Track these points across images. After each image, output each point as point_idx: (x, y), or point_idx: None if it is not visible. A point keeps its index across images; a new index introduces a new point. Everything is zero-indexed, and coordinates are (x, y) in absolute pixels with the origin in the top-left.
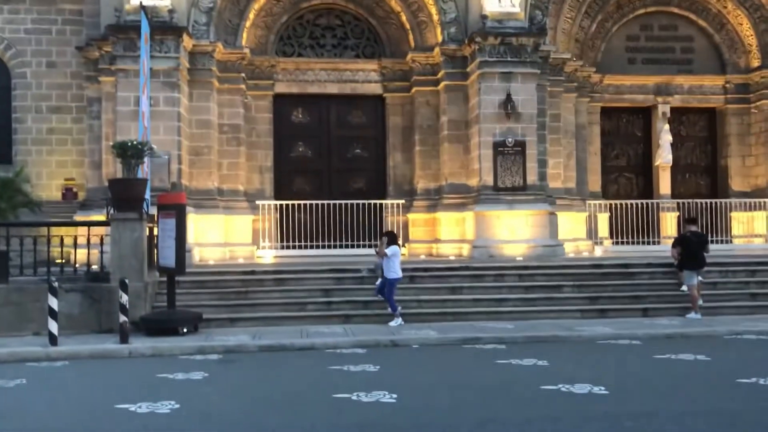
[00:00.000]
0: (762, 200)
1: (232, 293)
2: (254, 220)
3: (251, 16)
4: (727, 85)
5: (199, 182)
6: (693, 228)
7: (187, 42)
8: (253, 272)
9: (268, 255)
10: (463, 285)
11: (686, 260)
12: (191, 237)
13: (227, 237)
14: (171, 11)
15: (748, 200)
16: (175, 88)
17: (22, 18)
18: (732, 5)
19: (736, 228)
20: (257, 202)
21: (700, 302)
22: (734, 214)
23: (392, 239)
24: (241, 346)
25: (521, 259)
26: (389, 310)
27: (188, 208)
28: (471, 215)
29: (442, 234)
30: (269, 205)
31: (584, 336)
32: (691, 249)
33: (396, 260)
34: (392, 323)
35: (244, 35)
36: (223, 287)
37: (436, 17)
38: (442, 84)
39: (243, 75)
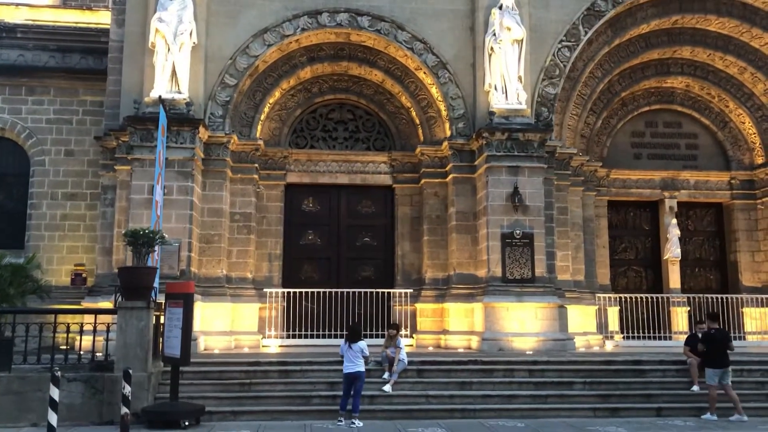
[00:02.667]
0: None
1: (236, 384)
2: (261, 308)
3: (266, 109)
4: (733, 181)
5: (208, 270)
6: (716, 325)
7: (203, 133)
8: (257, 363)
9: (273, 344)
10: (472, 380)
11: (713, 358)
12: (197, 325)
13: (233, 325)
14: (188, 104)
15: (760, 296)
16: (189, 177)
17: (45, 108)
18: (733, 104)
19: (749, 324)
20: (265, 289)
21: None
22: (746, 310)
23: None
24: None
25: (531, 353)
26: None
27: (196, 296)
28: (480, 306)
29: (450, 325)
30: (277, 292)
31: None
32: (716, 346)
33: (348, 356)
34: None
35: (259, 127)
36: (227, 378)
37: (444, 113)
38: (451, 176)
39: (256, 165)
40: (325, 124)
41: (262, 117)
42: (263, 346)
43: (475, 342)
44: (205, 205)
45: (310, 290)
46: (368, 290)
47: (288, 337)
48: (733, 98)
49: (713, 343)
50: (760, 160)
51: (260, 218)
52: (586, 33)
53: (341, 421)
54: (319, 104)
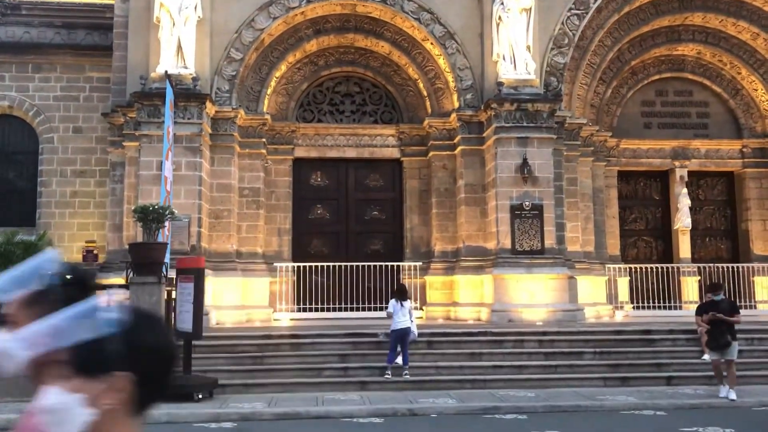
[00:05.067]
0: None
1: (248, 358)
2: (272, 283)
3: (272, 83)
4: (745, 150)
5: (219, 245)
6: (721, 295)
7: (210, 108)
8: (269, 336)
9: (284, 318)
10: (482, 351)
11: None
12: (209, 300)
13: (245, 300)
14: (195, 79)
15: None
16: (197, 152)
17: (51, 86)
18: (746, 71)
19: (760, 293)
20: (275, 264)
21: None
22: (757, 279)
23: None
24: (256, 414)
25: (541, 324)
26: (405, 375)
27: (206, 271)
28: (489, 278)
29: (459, 297)
30: (287, 267)
31: (607, 406)
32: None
33: (399, 314)
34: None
35: (266, 102)
36: (239, 352)
37: (452, 84)
38: (459, 148)
39: (264, 140)
40: (331, 97)
41: (269, 91)
42: (274, 320)
43: (484, 314)
44: (214, 180)
45: (319, 264)
46: (377, 263)
47: (298, 310)
48: (745, 65)
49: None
50: None
51: (269, 193)
52: (595, 0)
53: (389, 374)
54: (325, 77)
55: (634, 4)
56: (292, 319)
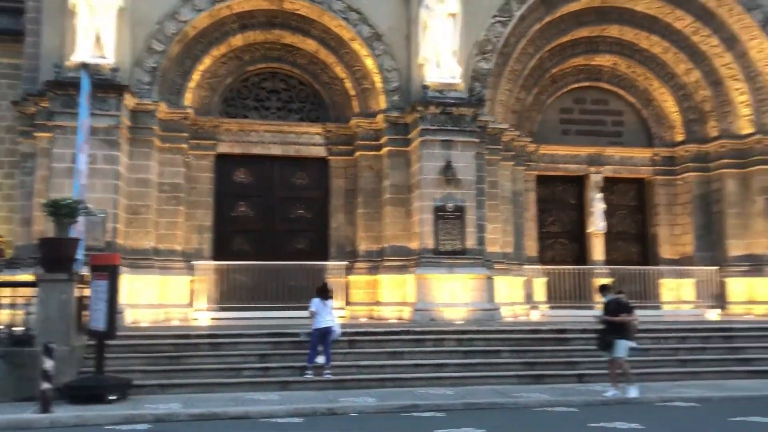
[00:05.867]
0: (689, 268)
1: (165, 358)
2: (191, 281)
3: (196, 77)
4: (655, 158)
5: (136, 241)
6: (622, 295)
7: (129, 100)
8: (187, 335)
9: (204, 317)
10: (403, 350)
11: (626, 329)
12: (124, 298)
13: (162, 298)
14: (114, 69)
15: (676, 267)
16: (114, 146)
17: None
18: (658, 83)
19: (666, 294)
20: (194, 262)
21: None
22: (663, 281)
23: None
24: (171, 415)
25: (461, 323)
26: (326, 374)
27: (122, 269)
28: (412, 278)
29: (383, 296)
30: (207, 265)
31: (521, 403)
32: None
33: (322, 313)
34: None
35: (188, 95)
36: (155, 351)
37: (379, 85)
38: (385, 149)
39: (186, 134)
40: (257, 93)
41: (192, 85)
42: (193, 319)
43: (407, 313)
44: (132, 174)
45: (241, 263)
46: (301, 263)
47: (219, 309)
48: (657, 77)
49: (629, 310)
50: (680, 138)
51: (190, 189)
52: (518, 9)
53: (309, 373)
54: (251, 73)
55: (556, 14)
56: (212, 319)
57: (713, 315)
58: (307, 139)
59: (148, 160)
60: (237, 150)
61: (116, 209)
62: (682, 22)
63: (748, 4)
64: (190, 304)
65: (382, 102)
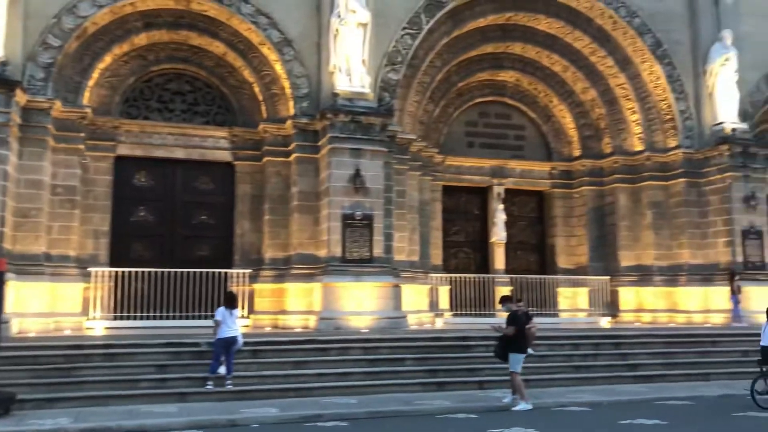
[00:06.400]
0: (584, 277)
1: (54, 370)
2: (85, 288)
3: (95, 75)
4: (553, 171)
5: (25, 246)
6: (521, 305)
7: (21, 97)
8: (79, 346)
9: (99, 326)
10: (308, 359)
11: (519, 341)
12: (10, 306)
13: (53, 306)
14: (4, 63)
15: (572, 277)
16: (3, 144)
17: None
18: (557, 100)
19: (562, 303)
20: (89, 268)
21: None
22: (560, 290)
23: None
24: (59, 430)
25: (367, 331)
26: (227, 385)
27: (9, 275)
28: (319, 286)
29: (289, 305)
30: (103, 272)
31: (424, 410)
32: (521, 329)
33: (227, 322)
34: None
35: (87, 94)
36: (43, 363)
37: (288, 91)
38: (294, 156)
39: (83, 135)
40: (161, 94)
41: (91, 83)
42: (87, 329)
43: (313, 321)
44: (23, 175)
45: (140, 270)
46: (204, 270)
47: (116, 318)
48: (556, 94)
49: (520, 325)
50: (577, 153)
51: (86, 192)
52: (427, 22)
53: (210, 384)
54: (155, 73)
55: (463, 29)
56: (107, 328)
57: (605, 323)
58: (213, 142)
59: (41, 161)
60: (138, 152)
61: (3, 212)
62: (581, 42)
63: (640, 28)
64: (84, 313)
65: (291, 108)
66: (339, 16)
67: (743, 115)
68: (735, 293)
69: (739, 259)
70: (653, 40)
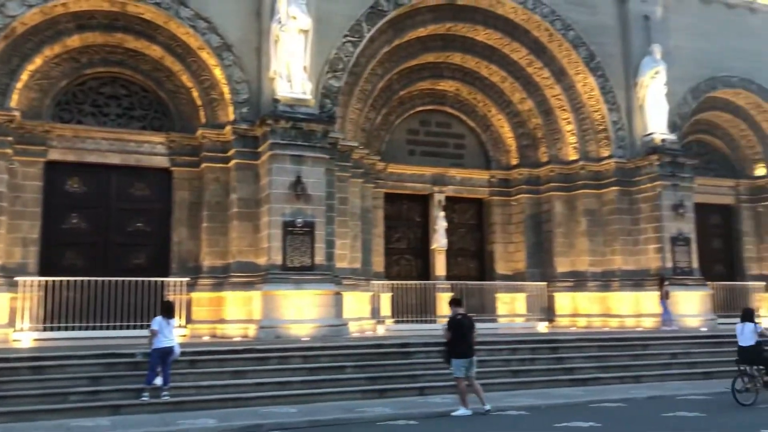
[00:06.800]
0: (522, 283)
1: None
2: (12, 298)
3: (24, 77)
4: (492, 179)
5: None
6: (461, 310)
7: None
8: (5, 359)
9: (27, 338)
10: (247, 368)
11: (459, 347)
12: None
13: None
14: None
15: (510, 283)
16: None
17: None
18: (495, 110)
19: (501, 308)
20: (17, 278)
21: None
22: (499, 296)
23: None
24: None
25: (307, 339)
26: (164, 396)
27: None
28: (258, 295)
29: (228, 314)
30: (32, 281)
31: (365, 418)
32: (463, 334)
33: (165, 332)
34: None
35: (15, 97)
36: None
37: (228, 96)
38: (233, 162)
39: (10, 138)
40: (95, 98)
41: (20, 86)
42: (14, 340)
43: (252, 330)
44: None
45: (72, 278)
46: (139, 279)
47: (45, 329)
48: (495, 104)
49: (460, 330)
50: (514, 162)
51: (13, 198)
52: (369, 30)
53: (146, 396)
54: (89, 76)
55: (404, 38)
56: (36, 340)
57: (542, 327)
58: (149, 148)
59: None
60: (70, 157)
61: None
62: (518, 53)
63: (575, 41)
64: (11, 324)
65: (230, 113)
66: (280, 22)
67: (672, 127)
68: (664, 298)
69: (669, 264)
70: (587, 53)
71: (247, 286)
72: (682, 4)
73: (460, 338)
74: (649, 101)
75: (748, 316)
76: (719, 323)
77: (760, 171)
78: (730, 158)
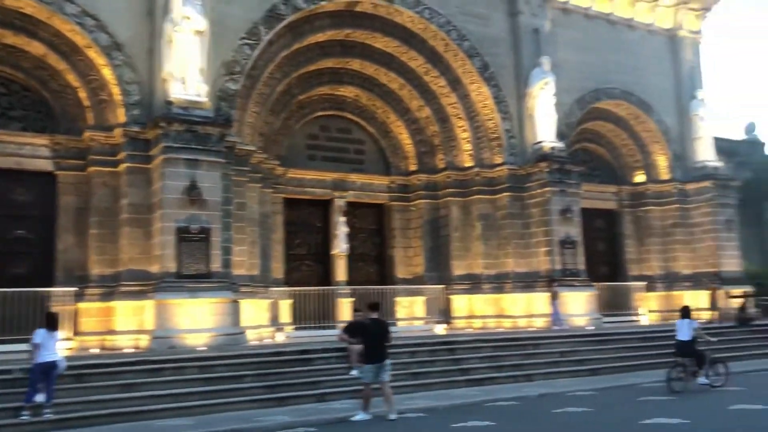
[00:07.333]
0: (420, 287)
1: None
2: None
3: None
4: (392, 185)
5: None
6: (375, 315)
7: None
8: None
9: None
10: (138, 381)
11: (368, 352)
12: None
13: None
14: None
15: (409, 287)
16: None
17: None
18: (394, 117)
19: (400, 312)
20: None
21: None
22: (398, 299)
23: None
24: None
25: (204, 349)
26: (46, 414)
27: None
28: (151, 304)
29: (118, 324)
30: None
31: (263, 426)
32: (371, 339)
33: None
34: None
35: None
36: None
37: (118, 97)
38: (123, 165)
39: None
40: None
41: None
42: None
43: (145, 341)
44: None
45: None
46: (20, 289)
47: None
48: (394, 111)
49: (367, 335)
50: (413, 168)
51: None
52: (266, 33)
53: (26, 414)
54: None
55: (303, 42)
56: None
57: (441, 330)
58: (31, 150)
59: None
60: None
61: None
62: (416, 62)
63: (470, 51)
64: None
65: (120, 115)
66: (173, 22)
67: (560, 135)
68: (554, 298)
69: (558, 267)
70: (481, 63)
71: (139, 295)
72: (569, 19)
73: (368, 343)
74: (538, 111)
75: (686, 313)
76: (604, 322)
77: (639, 178)
78: (613, 166)
